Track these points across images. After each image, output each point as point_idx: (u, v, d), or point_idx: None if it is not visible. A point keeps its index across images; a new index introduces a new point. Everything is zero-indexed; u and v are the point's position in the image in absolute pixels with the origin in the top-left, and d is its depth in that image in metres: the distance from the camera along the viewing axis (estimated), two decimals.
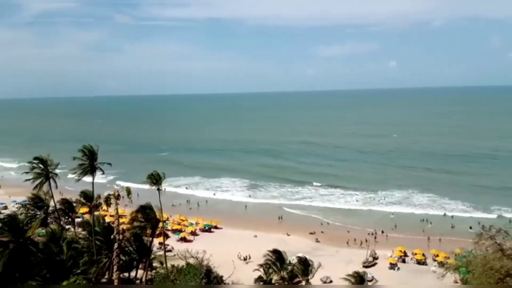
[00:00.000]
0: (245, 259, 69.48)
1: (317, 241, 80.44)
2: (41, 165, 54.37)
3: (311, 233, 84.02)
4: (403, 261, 70.84)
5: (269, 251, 45.41)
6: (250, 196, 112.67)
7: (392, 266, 68.30)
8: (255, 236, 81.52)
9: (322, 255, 69.28)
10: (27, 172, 55.95)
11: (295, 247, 71.53)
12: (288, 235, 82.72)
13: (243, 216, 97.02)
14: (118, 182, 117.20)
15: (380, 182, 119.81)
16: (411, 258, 71.47)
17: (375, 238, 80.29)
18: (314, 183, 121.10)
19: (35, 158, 55.06)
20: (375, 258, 71.01)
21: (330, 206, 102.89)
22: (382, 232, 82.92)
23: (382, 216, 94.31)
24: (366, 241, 77.64)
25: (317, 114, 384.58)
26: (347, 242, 78.53)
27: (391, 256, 71.12)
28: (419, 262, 70.37)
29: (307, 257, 47.82)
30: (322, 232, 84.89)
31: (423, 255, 71.39)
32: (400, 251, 72.54)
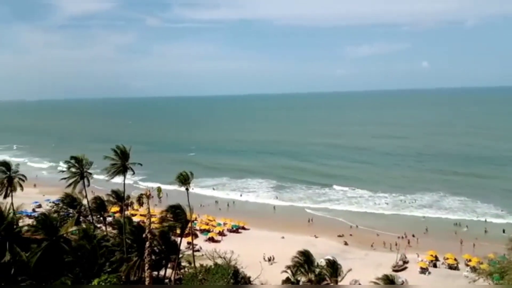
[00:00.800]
0: (269, 260, 69.39)
1: (346, 243, 79.54)
2: (76, 164, 55.89)
3: (339, 236, 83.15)
4: (434, 266, 69.26)
5: (298, 252, 45.17)
6: (277, 197, 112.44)
7: (423, 270, 66.84)
8: (283, 238, 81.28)
9: (351, 258, 68.49)
10: (63, 171, 57.65)
11: (323, 249, 70.98)
12: (316, 237, 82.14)
13: (270, 217, 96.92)
14: (145, 183, 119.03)
15: (409, 185, 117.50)
16: (443, 263, 69.82)
17: (409, 242, 78.63)
18: (341, 185, 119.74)
19: (72, 157, 56.67)
20: (405, 262, 69.63)
21: (358, 208, 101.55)
22: (413, 235, 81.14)
23: (412, 219, 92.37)
24: (396, 244, 76.31)
25: (344, 114, 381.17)
26: (372, 245, 77.41)
27: (421, 260, 69.63)
28: (450, 267, 68.67)
29: (336, 259, 47.37)
30: (350, 235, 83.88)
31: (455, 259, 69.64)
32: (431, 255, 70.93)
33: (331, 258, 52.68)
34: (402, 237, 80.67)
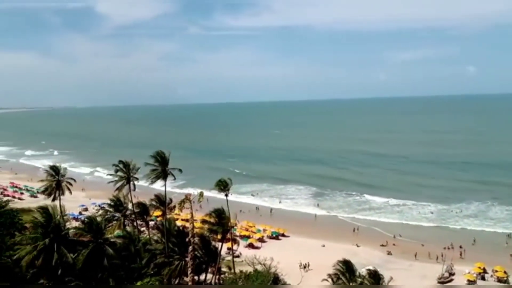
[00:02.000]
0: (304, 267, 68.64)
1: (389, 253, 77.48)
2: (124, 169, 57.58)
3: (382, 245, 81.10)
4: (482, 278, 66.23)
5: (339, 261, 44.37)
6: (318, 205, 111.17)
7: (470, 283, 64.06)
8: (323, 246, 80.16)
9: (394, 268, 66.51)
10: (110, 175, 59.50)
11: (365, 259, 69.41)
12: (357, 246, 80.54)
13: (310, 225, 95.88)
14: (185, 188, 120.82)
15: (453, 194, 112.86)
16: (491, 275, 66.64)
17: (460, 254, 75.24)
18: (383, 194, 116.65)
19: (120, 162, 58.46)
20: (452, 274, 66.94)
21: (401, 217, 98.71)
22: (460, 246, 77.90)
23: (458, 230, 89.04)
24: (442, 255, 73.58)
25: (385, 121, 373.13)
26: (416, 255, 74.96)
27: (469, 272, 66.70)
28: (500, 280, 65.36)
29: (378, 269, 46.16)
30: (394, 244, 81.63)
31: (505, 272, 66.28)
32: (479, 267, 67.83)
33: (372, 268, 51.42)
34: (448, 248, 77.73)
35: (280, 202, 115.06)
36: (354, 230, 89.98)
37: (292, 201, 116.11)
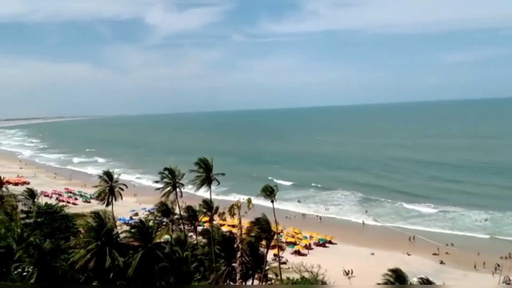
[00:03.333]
0: (347, 274, 67.31)
1: (442, 262, 74.49)
2: (169, 175, 58.86)
3: (434, 254, 78.16)
4: None
5: (389, 270, 43.08)
6: (366, 211, 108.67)
7: None
8: (372, 254, 78.27)
9: (448, 278, 63.93)
10: (157, 181, 60.98)
11: (416, 268, 67.00)
12: (408, 254, 78.00)
13: (358, 232, 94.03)
14: (230, 194, 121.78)
15: (507, 202, 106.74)
16: None
17: None
18: (433, 201, 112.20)
19: (165, 169, 59.85)
20: (509, 284, 63.52)
21: (453, 226, 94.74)
22: None
23: None
24: (499, 265, 69.91)
25: (433, 125, 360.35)
26: (474, 266, 71.59)
27: None
28: None
29: (430, 279, 44.42)
30: (446, 253, 78.48)
31: None
32: None
33: (424, 277, 49.54)
34: (506, 258, 73.76)
35: (327, 209, 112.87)
36: (410, 239, 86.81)
37: (338, 208, 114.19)
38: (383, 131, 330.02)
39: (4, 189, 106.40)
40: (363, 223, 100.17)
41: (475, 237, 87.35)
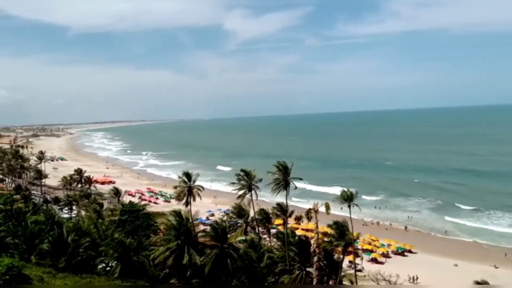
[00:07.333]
0: (413, 280, 64.52)
1: None
2: (245, 177, 59.74)
3: None
4: None
5: (474, 281, 40.24)
6: (445, 218, 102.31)
7: None
8: (456, 265, 73.57)
9: None
10: (233, 183, 62.17)
11: (504, 282, 61.86)
12: (495, 267, 72.20)
13: (440, 241, 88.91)
14: (304, 199, 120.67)
15: None
16: None
17: None
18: None
19: (241, 170, 60.84)
20: None
21: None
22: None
23: None
24: None
25: None
26: None
27: None
28: None
29: None
30: None
31: None
32: None
33: None
34: None
35: (410, 217, 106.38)
36: (506, 255, 78.16)
37: (416, 214, 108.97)
38: (468, 136, 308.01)
39: (92, 187, 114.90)
40: (445, 231, 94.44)
41: None
